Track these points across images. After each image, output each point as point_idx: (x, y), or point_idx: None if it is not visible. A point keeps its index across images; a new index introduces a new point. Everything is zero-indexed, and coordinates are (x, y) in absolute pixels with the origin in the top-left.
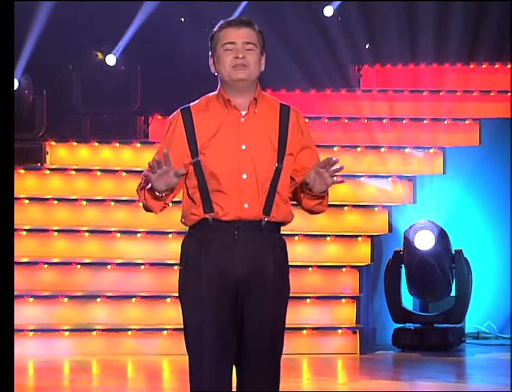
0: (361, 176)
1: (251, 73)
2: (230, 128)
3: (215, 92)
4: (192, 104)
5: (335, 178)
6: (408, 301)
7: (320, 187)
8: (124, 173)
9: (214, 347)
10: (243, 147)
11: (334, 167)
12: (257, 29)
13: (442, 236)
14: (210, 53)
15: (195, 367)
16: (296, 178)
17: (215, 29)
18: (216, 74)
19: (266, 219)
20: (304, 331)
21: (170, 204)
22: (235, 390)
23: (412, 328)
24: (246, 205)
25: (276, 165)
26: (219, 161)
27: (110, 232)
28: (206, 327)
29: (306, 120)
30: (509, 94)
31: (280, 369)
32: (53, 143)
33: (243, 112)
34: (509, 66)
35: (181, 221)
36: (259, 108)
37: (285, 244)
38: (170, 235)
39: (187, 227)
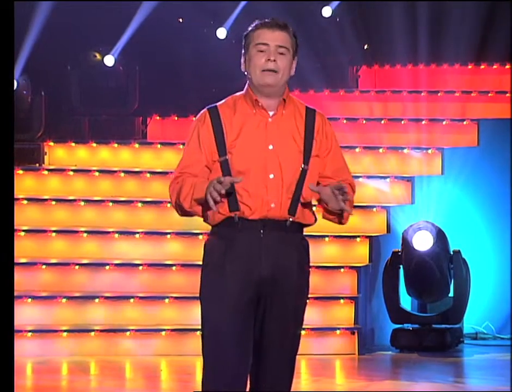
0: (359, 177)
1: (280, 79)
2: (258, 128)
3: (243, 92)
4: (218, 103)
5: (345, 206)
6: (406, 301)
7: (334, 205)
8: (122, 174)
9: (233, 351)
10: (270, 147)
11: (342, 197)
12: (291, 32)
13: (440, 237)
14: (243, 51)
15: (212, 368)
16: (320, 180)
17: (249, 28)
18: (246, 73)
19: (290, 219)
20: (303, 332)
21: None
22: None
23: (410, 329)
24: (272, 205)
25: (303, 166)
26: (247, 161)
27: (109, 232)
28: (227, 329)
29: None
30: (508, 95)
31: (295, 368)
32: (51, 144)
33: (271, 113)
34: (507, 66)
35: (204, 221)
36: (286, 110)
37: (308, 245)
38: (168, 236)
39: (190, 228)
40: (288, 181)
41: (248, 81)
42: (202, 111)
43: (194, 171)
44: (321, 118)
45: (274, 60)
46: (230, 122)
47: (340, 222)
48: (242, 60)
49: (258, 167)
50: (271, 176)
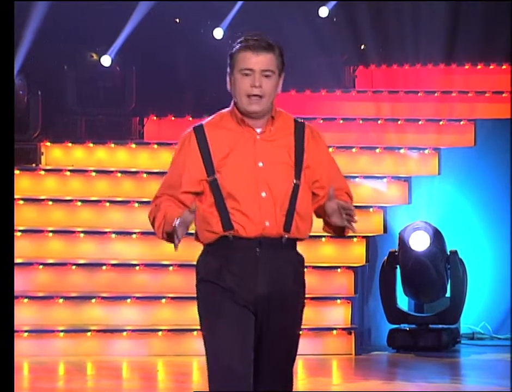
0: (356, 177)
1: (265, 104)
2: (246, 146)
3: (229, 109)
4: (204, 122)
5: (349, 223)
6: (403, 302)
7: (337, 220)
8: (119, 174)
9: (236, 368)
10: (260, 164)
11: (348, 217)
12: (277, 51)
13: (437, 237)
14: (228, 70)
15: (216, 382)
16: (317, 191)
17: (234, 47)
18: (231, 92)
19: (286, 236)
20: (299, 332)
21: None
22: None
23: (407, 329)
24: (267, 223)
25: (295, 181)
26: (237, 180)
27: (105, 232)
28: (228, 346)
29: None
30: (504, 95)
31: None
32: (48, 144)
33: (258, 130)
34: (504, 66)
35: (195, 239)
36: (274, 126)
37: (303, 260)
38: None
39: None
40: (281, 198)
41: (233, 100)
42: (188, 130)
43: (174, 193)
44: (310, 131)
45: (260, 86)
46: (217, 141)
47: (340, 235)
48: (228, 79)
49: (249, 186)
50: (263, 194)
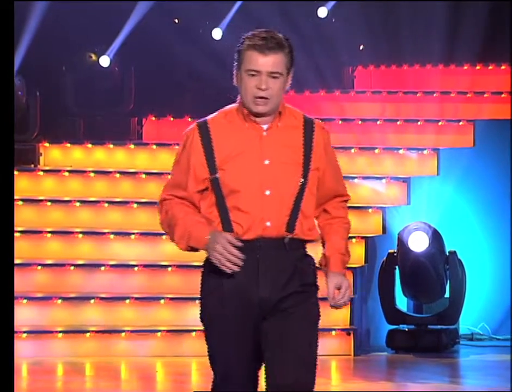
0: (355, 177)
1: (271, 106)
2: (252, 143)
3: (235, 105)
4: (208, 118)
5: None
6: (402, 302)
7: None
8: (118, 175)
9: (242, 378)
10: (266, 162)
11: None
12: (287, 50)
13: (436, 237)
14: (235, 64)
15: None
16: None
17: (242, 43)
18: (238, 87)
19: (289, 236)
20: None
21: None
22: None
23: (406, 329)
24: (268, 223)
25: (302, 180)
26: (241, 177)
27: (104, 233)
28: (233, 359)
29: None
30: (503, 95)
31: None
32: (47, 144)
33: (265, 126)
34: (503, 67)
35: None
36: (282, 121)
37: (312, 261)
38: (164, 236)
39: None
40: (286, 197)
41: (240, 95)
42: (191, 126)
43: (182, 194)
44: (319, 129)
45: (266, 88)
46: (221, 138)
47: None
48: (234, 73)
49: (253, 184)
50: (267, 192)
